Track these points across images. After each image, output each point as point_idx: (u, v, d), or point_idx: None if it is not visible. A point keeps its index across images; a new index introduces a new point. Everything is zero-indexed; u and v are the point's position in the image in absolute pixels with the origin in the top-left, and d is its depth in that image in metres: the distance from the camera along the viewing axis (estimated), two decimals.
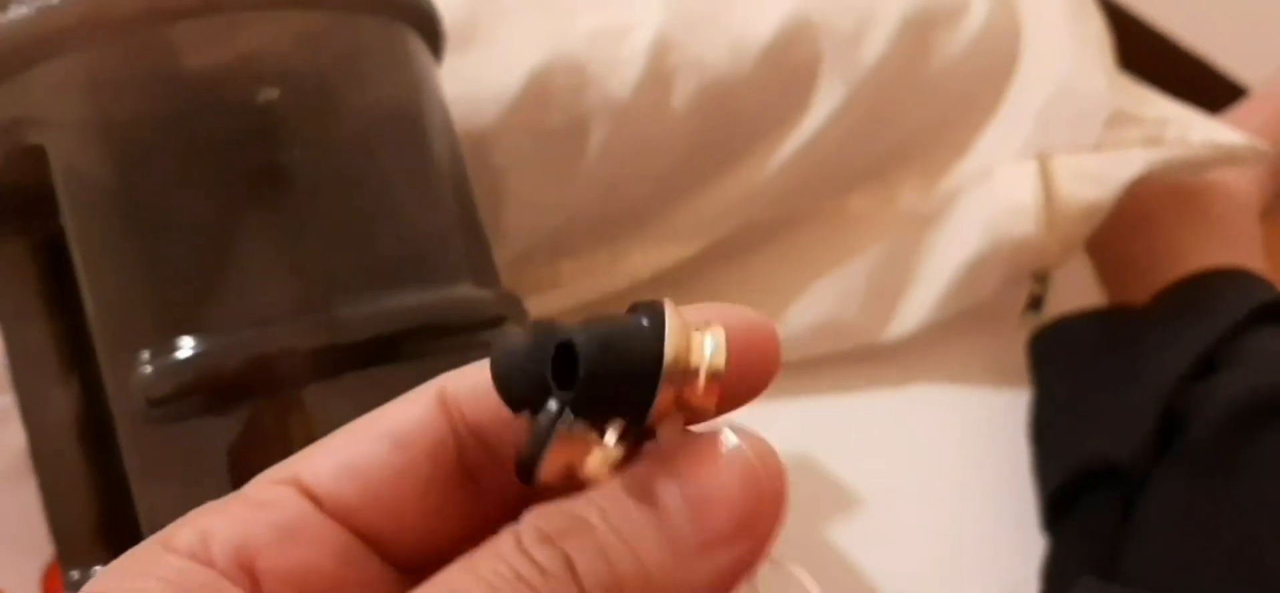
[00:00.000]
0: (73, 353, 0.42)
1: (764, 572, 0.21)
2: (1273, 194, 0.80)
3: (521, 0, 0.60)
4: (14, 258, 0.41)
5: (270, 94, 0.37)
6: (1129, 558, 0.58)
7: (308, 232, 0.37)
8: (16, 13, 0.35)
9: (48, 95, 0.36)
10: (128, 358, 0.35)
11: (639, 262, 0.65)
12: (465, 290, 0.41)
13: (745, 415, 0.66)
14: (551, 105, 0.59)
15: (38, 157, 0.36)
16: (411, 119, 0.42)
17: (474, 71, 0.57)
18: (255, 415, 0.35)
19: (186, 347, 0.35)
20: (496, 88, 0.58)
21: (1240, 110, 0.87)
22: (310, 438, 0.35)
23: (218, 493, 0.34)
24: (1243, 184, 0.76)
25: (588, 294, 0.66)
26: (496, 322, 0.41)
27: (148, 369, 0.34)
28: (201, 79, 0.37)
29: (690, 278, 0.67)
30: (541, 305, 0.65)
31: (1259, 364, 0.62)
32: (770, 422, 0.67)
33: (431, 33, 0.45)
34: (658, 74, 0.60)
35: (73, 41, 0.35)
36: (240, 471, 0.35)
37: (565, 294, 0.65)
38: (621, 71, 0.59)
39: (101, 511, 0.41)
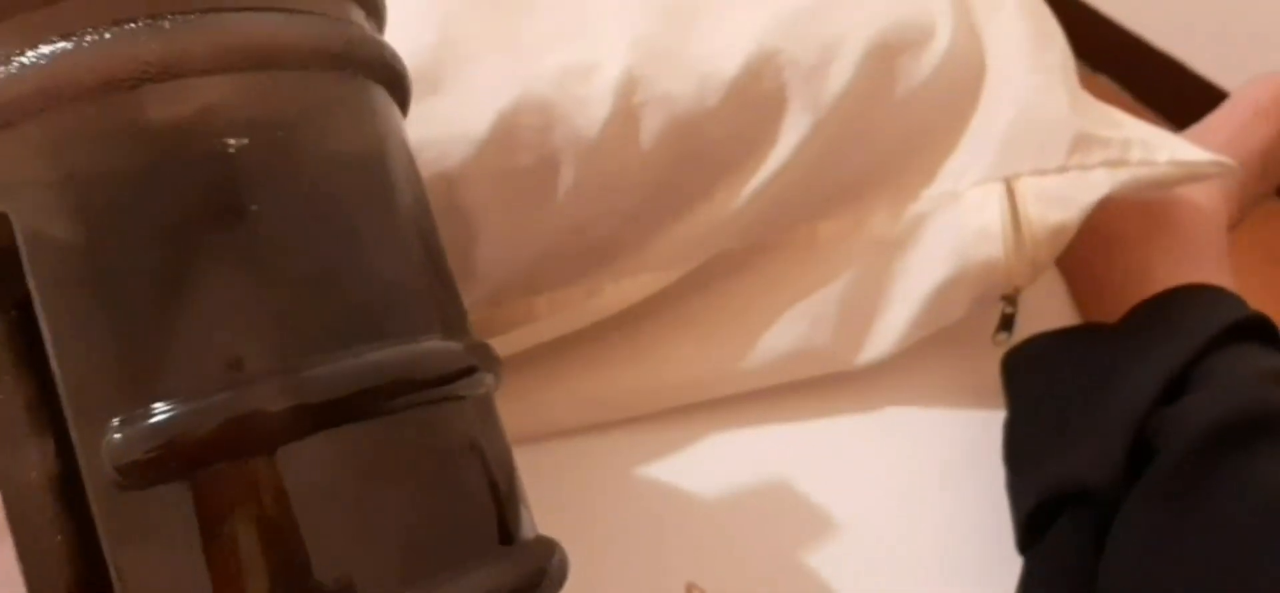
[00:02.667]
0: (46, 413, 0.42)
1: None
2: (1240, 207, 0.81)
3: (488, 42, 0.61)
4: None
5: (234, 150, 0.37)
6: (1104, 582, 0.58)
7: (276, 292, 0.38)
8: None
9: (8, 161, 0.36)
10: (97, 424, 0.35)
11: (613, 294, 0.66)
12: (435, 343, 0.41)
13: (723, 441, 0.66)
14: (520, 145, 0.59)
15: (2, 221, 0.36)
16: (379, 175, 0.42)
17: (443, 114, 0.58)
18: (227, 478, 0.36)
19: (156, 412, 0.35)
20: (465, 130, 0.58)
21: (1208, 124, 0.88)
22: (283, 498, 0.36)
23: (190, 557, 0.35)
24: (1210, 200, 0.77)
25: (563, 328, 0.66)
26: (467, 373, 0.42)
27: (117, 436, 0.35)
28: (164, 141, 0.37)
29: (664, 308, 0.68)
30: (518, 341, 0.65)
31: (1229, 385, 0.62)
32: (745, 449, 0.68)
33: (398, 87, 0.46)
34: (625, 111, 0.60)
35: (32, 108, 0.36)
36: (212, 534, 0.35)
37: (541, 329, 0.66)
38: (589, 110, 0.60)
39: (78, 571, 0.42)
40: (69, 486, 0.42)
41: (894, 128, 0.66)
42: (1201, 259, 0.73)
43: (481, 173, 0.59)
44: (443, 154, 0.58)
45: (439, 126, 0.58)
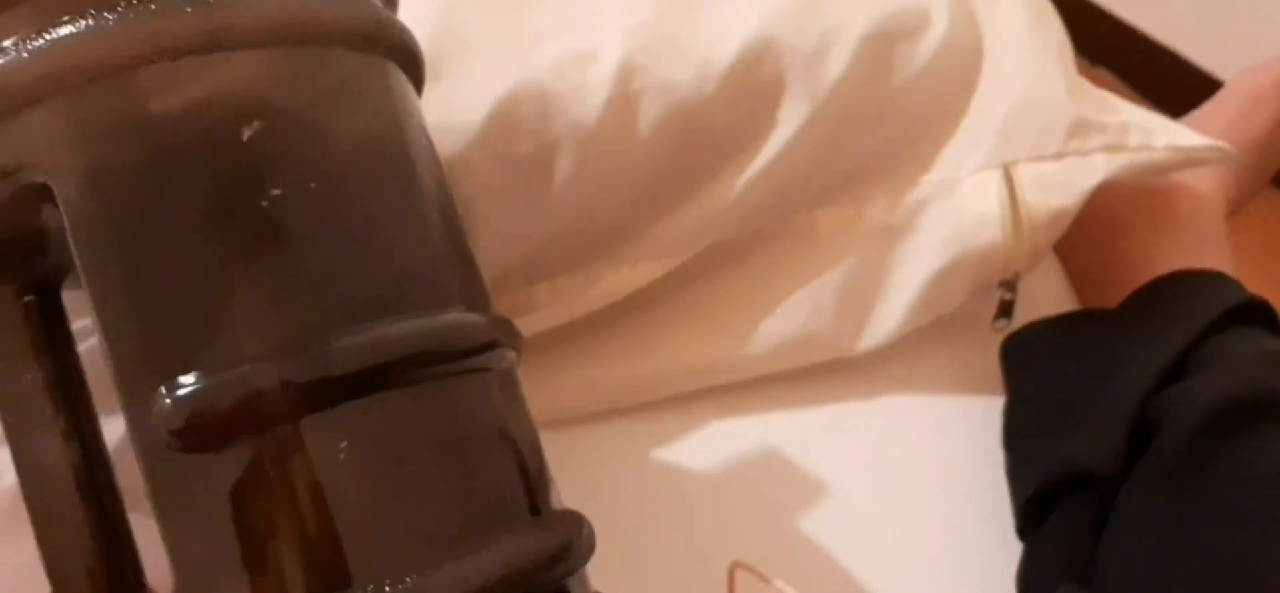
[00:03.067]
0: (64, 397, 0.42)
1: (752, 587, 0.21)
2: (1238, 195, 0.81)
3: (486, 32, 0.61)
4: (2, 303, 0.42)
5: (269, 125, 0.37)
6: (1104, 566, 0.58)
7: (306, 265, 0.38)
8: (11, 56, 0.36)
9: (47, 136, 0.36)
10: (144, 392, 0.35)
11: (613, 282, 0.66)
12: (457, 315, 0.41)
13: (724, 428, 0.66)
14: (519, 133, 0.59)
15: (31, 198, 0.36)
16: (402, 154, 0.42)
17: (441, 103, 0.58)
18: (257, 450, 0.36)
19: (184, 385, 0.35)
20: (463, 118, 0.58)
21: (1204, 112, 0.88)
22: (309, 471, 0.36)
23: (222, 528, 0.35)
24: (1208, 186, 0.77)
25: (564, 316, 0.66)
26: (490, 346, 0.42)
27: (167, 402, 0.35)
28: (200, 113, 0.37)
29: (664, 296, 0.68)
30: (519, 329, 0.65)
31: (1230, 367, 0.62)
32: (745, 436, 0.68)
33: (414, 70, 0.46)
34: (623, 99, 0.61)
35: (70, 81, 0.36)
36: (241, 505, 0.35)
37: (542, 317, 0.66)
38: (587, 98, 0.60)
39: (98, 556, 0.42)
40: (87, 473, 0.43)
41: (892, 115, 0.66)
42: (1200, 245, 0.73)
43: (480, 161, 0.59)
44: (441, 142, 0.58)
45: (437, 114, 0.57)
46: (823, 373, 0.69)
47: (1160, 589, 0.55)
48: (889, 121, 0.66)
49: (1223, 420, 0.58)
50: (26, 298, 0.42)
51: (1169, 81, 1.72)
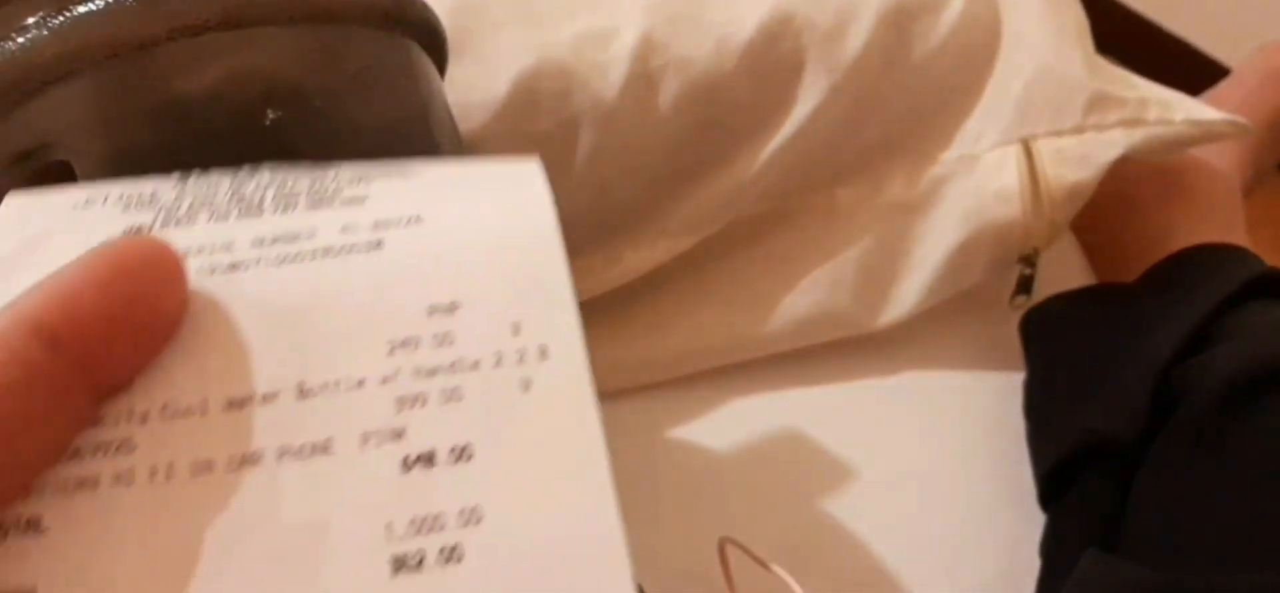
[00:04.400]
0: None
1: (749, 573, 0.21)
2: (1253, 172, 0.81)
3: (507, 8, 0.61)
4: None
5: (290, 106, 0.37)
6: (1128, 533, 0.58)
7: None
8: (33, 34, 0.36)
9: (69, 116, 0.36)
10: None
11: (633, 261, 0.66)
12: None
13: (744, 405, 0.66)
14: (540, 110, 0.59)
15: (57, 178, 0.36)
16: (422, 131, 0.42)
17: (462, 81, 0.58)
18: None
19: None
20: (484, 95, 0.59)
21: (1220, 89, 0.88)
22: None
23: None
24: (1225, 162, 0.77)
25: (584, 295, 0.66)
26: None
27: None
28: (223, 91, 0.37)
29: (684, 275, 0.68)
30: None
31: (1252, 337, 0.62)
32: (766, 413, 0.68)
33: (436, 46, 0.46)
34: (643, 75, 0.61)
35: (91, 59, 0.36)
36: None
37: None
38: (608, 74, 0.60)
39: None
40: None
41: (911, 91, 0.66)
42: (1219, 220, 0.73)
43: (501, 138, 0.59)
44: (461, 119, 0.58)
45: (458, 92, 0.58)
46: (843, 350, 0.69)
47: (1185, 556, 0.56)
48: (907, 98, 0.66)
49: (1245, 390, 0.58)
50: None
51: (1177, 69, 1.72)
